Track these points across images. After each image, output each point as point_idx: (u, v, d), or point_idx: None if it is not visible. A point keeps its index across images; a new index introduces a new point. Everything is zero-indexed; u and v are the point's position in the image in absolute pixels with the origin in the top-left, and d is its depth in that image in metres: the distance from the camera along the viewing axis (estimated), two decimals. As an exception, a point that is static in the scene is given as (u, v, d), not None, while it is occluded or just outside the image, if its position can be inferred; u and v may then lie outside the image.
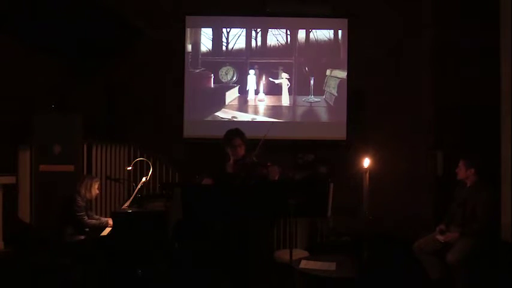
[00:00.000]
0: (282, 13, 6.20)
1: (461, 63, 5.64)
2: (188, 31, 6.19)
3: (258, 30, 6.18)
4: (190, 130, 6.13)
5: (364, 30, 6.11)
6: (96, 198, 4.86)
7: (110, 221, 4.27)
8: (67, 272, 3.99)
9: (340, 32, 6.14)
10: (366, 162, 3.50)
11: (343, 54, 6.12)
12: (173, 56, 6.18)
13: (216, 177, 3.69)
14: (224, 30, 6.20)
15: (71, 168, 4.73)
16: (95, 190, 4.37)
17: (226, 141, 3.74)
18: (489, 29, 5.24)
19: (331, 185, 3.24)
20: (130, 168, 4.81)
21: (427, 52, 6.07)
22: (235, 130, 3.80)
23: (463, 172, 4.14)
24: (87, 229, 4.21)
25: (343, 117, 6.07)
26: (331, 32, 6.16)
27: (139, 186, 4.30)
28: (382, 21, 6.15)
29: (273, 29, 6.17)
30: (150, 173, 4.59)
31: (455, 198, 4.21)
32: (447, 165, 5.57)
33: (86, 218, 4.19)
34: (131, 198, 4.27)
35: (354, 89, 6.08)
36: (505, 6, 4.98)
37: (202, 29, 6.20)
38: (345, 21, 6.11)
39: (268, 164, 3.64)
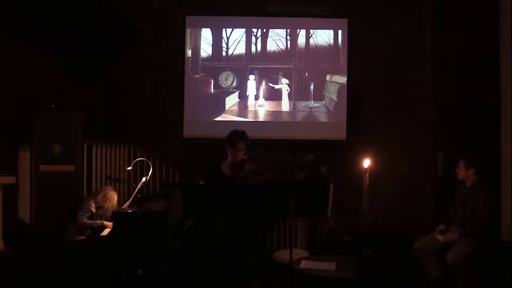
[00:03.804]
0: (282, 13, 6.19)
1: (461, 63, 5.64)
2: (188, 31, 6.19)
3: (258, 34, 6.16)
4: (190, 130, 6.12)
5: (364, 31, 6.11)
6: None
7: (106, 222, 4.28)
8: (67, 272, 3.99)
9: (340, 32, 6.13)
10: (366, 162, 3.51)
11: (343, 59, 6.10)
12: (173, 56, 6.17)
13: (210, 178, 3.68)
14: (224, 35, 6.18)
15: (71, 168, 4.73)
16: (114, 202, 4.37)
17: (229, 142, 3.65)
18: (489, 29, 5.24)
19: (331, 185, 3.24)
20: (130, 168, 4.81)
21: (427, 52, 6.07)
22: (241, 133, 3.69)
23: (463, 172, 4.14)
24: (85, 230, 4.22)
25: (343, 117, 6.06)
26: (331, 36, 6.14)
27: (139, 186, 4.31)
28: (382, 21, 6.15)
29: (273, 34, 6.14)
30: (150, 173, 4.59)
31: (455, 198, 4.22)
32: (447, 165, 5.57)
33: (82, 218, 4.20)
34: (131, 198, 4.27)
35: (353, 88, 6.07)
36: (505, 7, 4.99)
37: (202, 34, 6.17)
38: (345, 21, 6.09)
39: (267, 174, 3.63)
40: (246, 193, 3.30)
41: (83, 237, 4.20)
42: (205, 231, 3.63)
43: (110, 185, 5.39)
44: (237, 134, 3.68)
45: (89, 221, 4.26)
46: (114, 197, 4.39)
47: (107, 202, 4.33)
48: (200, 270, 3.73)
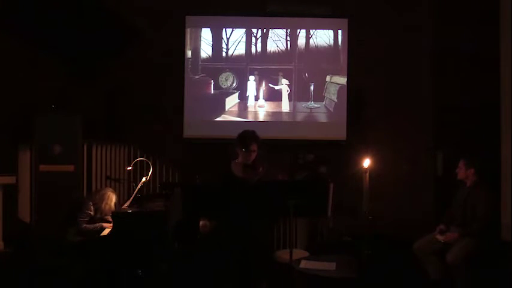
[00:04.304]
0: (282, 13, 6.19)
1: (461, 63, 5.64)
2: (188, 31, 6.19)
3: (258, 35, 6.16)
4: (190, 130, 6.12)
5: (364, 31, 6.11)
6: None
7: (105, 224, 4.28)
8: (67, 272, 3.99)
9: (340, 32, 6.13)
10: (366, 162, 3.50)
11: (343, 60, 6.10)
12: (173, 56, 6.17)
13: (223, 179, 3.62)
14: (224, 36, 6.18)
15: (71, 168, 4.73)
16: (111, 204, 4.35)
17: (241, 144, 3.54)
18: (489, 29, 5.24)
19: (331, 185, 3.23)
20: (130, 168, 4.81)
21: (427, 52, 6.07)
22: (252, 134, 3.58)
23: (463, 172, 4.13)
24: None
25: (343, 117, 6.06)
26: (331, 37, 6.14)
27: (139, 186, 4.30)
28: (382, 21, 6.15)
29: (273, 34, 6.15)
30: (150, 173, 4.59)
31: (455, 198, 4.21)
32: (447, 165, 5.57)
33: (83, 224, 4.19)
34: (131, 198, 4.26)
35: (353, 88, 6.08)
36: (505, 7, 4.99)
37: (202, 34, 6.18)
38: (345, 21, 6.10)
39: (280, 175, 3.60)
40: (260, 196, 3.27)
41: (82, 238, 4.19)
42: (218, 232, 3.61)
43: (110, 185, 5.40)
44: (249, 135, 3.58)
45: (89, 226, 4.24)
46: (112, 198, 4.34)
47: (104, 203, 4.29)
48: (210, 270, 3.72)
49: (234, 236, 3.46)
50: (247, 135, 3.58)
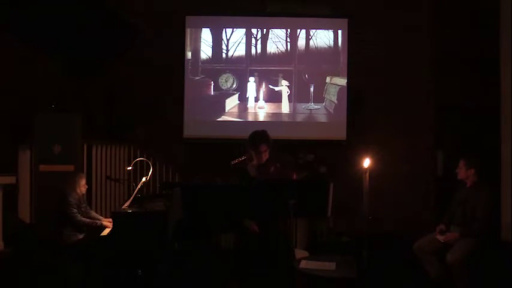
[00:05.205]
0: (282, 13, 6.19)
1: (461, 63, 5.64)
2: (188, 32, 6.18)
3: (258, 36, 6.14)
4: (190, 130, 6.11)
5: (364, 31, 6.11)
6: (94, 197, 4.81)
7: (105, 223, 4.27)
8: (67, 272, 3.99)
9: (340, 32, 6.13)
10: (366, 162, 3.50)
11: (343, 61, 6.09)
12: (173, 56, 6.17)
13: (242, 181, 3.61)
14: (224, 37, 6.17)
15: (71, 168, 4.73)
16: (82, 186, 4.33)
17: (251, 145, 3.55)
18: (489, 29, 5.25)
19: (331, 185, 3.23)
20: (130, 168, 4.81)
21: (427, 52, 6.07)
22: (261, 135, 3.57)
23: (463, 172, 4.13)
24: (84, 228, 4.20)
25: (343, 119, 6.06)
26: (331, 38, 6.13)
27: (139, 186, 4.30)
28: (382, 21, 6.15)
29: (273, 36, 6.13)
30: (150, 173, 4.59)
31: (456, 198, 4.21)
32: (447, 165, 5.57)
33: (78, 215, 4.17)
34: (131, 198, 4.26)
35: (354, 89, 6.07)
36: (505, 8, 4.99)
37: (202, 35, 6.16)
38: (345, 21, 6.10)
39: (291, 173, 3.58)
40: (247, 193, 3.28)
41: (81, 237, 4.18)
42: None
43: (110, 185, 5.41)
44: (258, 136, 3.56)
45: (87, 220, 4.24)
46: (79, 181, 4.30)
47: (75, 189, 4.25)
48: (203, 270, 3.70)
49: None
50: (257, 136, 3.57)
